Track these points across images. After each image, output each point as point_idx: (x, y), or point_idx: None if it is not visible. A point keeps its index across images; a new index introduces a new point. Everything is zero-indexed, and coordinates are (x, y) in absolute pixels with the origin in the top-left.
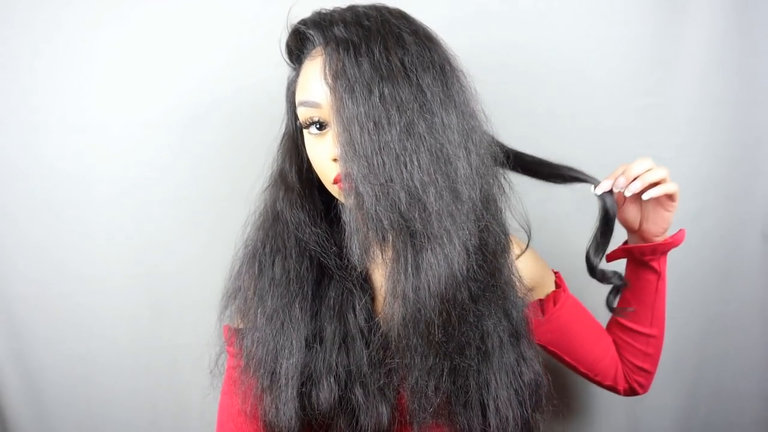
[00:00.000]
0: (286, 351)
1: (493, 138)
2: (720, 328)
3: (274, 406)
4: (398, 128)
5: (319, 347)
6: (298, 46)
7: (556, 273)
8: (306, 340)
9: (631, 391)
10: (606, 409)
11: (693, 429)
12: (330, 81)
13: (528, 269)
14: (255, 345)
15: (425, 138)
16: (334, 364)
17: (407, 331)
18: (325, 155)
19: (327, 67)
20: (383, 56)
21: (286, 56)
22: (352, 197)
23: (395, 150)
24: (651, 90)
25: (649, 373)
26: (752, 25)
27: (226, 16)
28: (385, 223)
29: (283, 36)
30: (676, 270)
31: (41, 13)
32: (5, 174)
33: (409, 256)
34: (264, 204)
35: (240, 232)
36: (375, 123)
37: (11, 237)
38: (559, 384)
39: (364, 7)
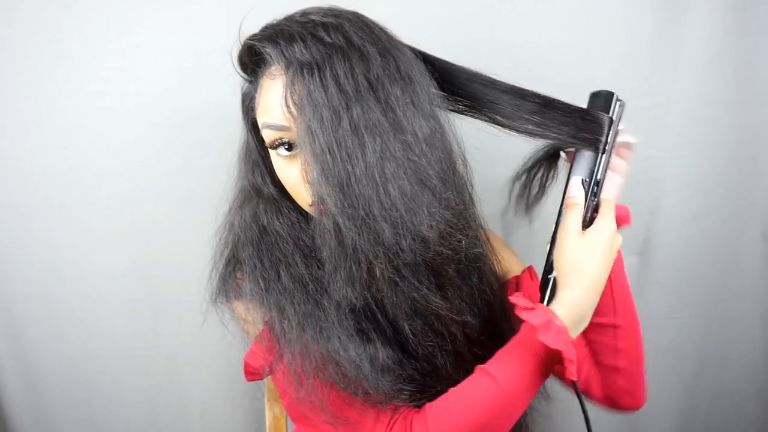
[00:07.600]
0: (339, 347)
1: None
2: (720, 328)
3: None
4: (372, 153)
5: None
6: (252, 60)
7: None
8: (356, 331)
9: (616, 402)
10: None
11: (693, 429)
12: (294, 109)
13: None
14: (296, 354)
15: (402, 160)
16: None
17: None
18: (298, 178)
19: (290, 94)
20: (349, 77)
21: (239, 69)
22: (332, 230)
23: (373, 177)
24: (651, 90)
25: (631, 374)
26: (752, 25)
27: (225, 16)
28: (371, 257)
29: (235, 49)
30: (676, 270)
31: (42, 14)
32: (5, 174)
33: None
34: (241, 221)
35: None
36: (348, 153)
37: (11, 237)
38: (557, 383)
39: (320, 15)
